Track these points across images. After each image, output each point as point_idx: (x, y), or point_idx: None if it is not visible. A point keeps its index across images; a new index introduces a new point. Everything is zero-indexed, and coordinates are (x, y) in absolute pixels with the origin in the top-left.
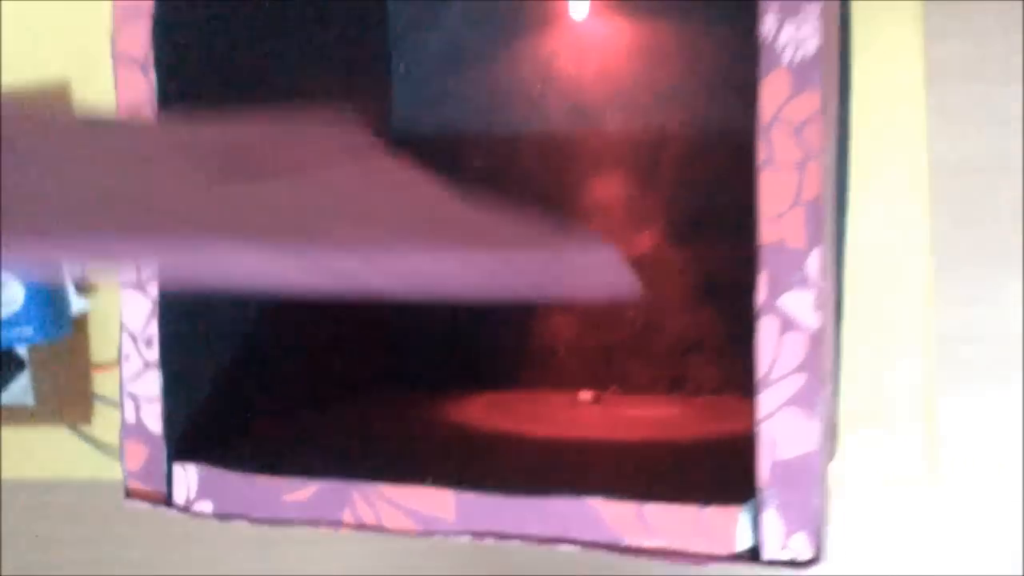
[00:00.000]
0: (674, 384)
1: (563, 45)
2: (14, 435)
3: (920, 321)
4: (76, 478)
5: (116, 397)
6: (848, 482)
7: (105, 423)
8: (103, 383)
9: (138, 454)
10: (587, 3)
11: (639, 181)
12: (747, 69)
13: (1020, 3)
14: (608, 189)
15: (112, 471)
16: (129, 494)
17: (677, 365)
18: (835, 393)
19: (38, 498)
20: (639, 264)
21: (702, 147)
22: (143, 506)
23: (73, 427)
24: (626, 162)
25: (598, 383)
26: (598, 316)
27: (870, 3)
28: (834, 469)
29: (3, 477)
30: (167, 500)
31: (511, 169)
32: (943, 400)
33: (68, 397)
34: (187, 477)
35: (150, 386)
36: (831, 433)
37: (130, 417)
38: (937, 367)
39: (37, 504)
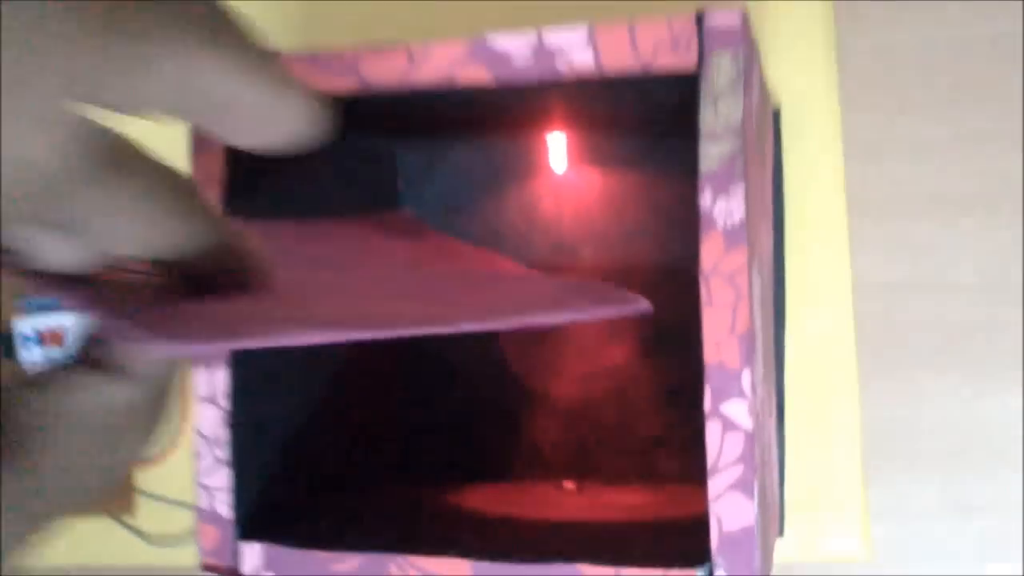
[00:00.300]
0: (644, 475)
1: (546, 192)
2: (64, 526)
3: (850, 420)
4: (120, 564)
5: (156, 491)
6: (793, 560)
7: (146, 514)
8: (143, 478)
9: (211, 535)
10: (565, 157)
11: None
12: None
13: (922, 153)
14: None
15: (151, 557)
16: (206, 568)
17: (646, 459)
18: (781, 481)
19: None
20: (614, 374)
21: (662, 276)
22: None
23: (117, 518)
24: None
25: (580, 474)
26: (579, 417)
27: (801, 160)
28: (781, 547)
29: (54, 563)
30: (237, 573)
31: None
32: (874, 486)
33: (112, 491)
34: (253, 553)
35: (221, 479)
36: (777, 513)
37: (204, 504)
38: (866, 458)
39: None
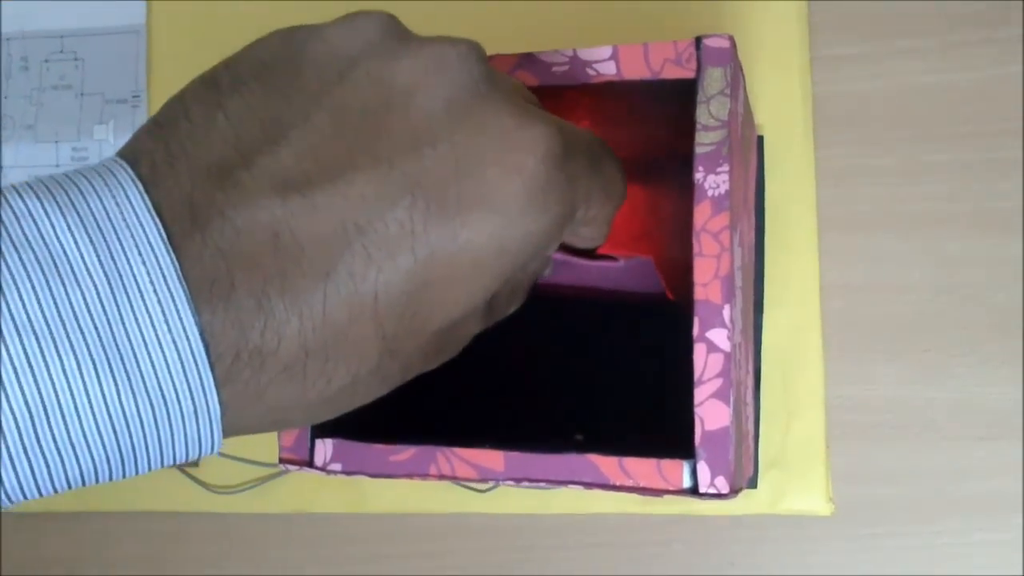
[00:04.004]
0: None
1: None
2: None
3: (816, 396)
4: (181, 511)
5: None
6: (766, 512)
7: (208, 465)
8: None
9: (290, 435)
10: None
11: None
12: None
13: (880, 178)
14: None
15: (211, 505)
16: (283, 461)
17: (645, 425)
18: (756, 439)
19: (148, 527)
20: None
21: (668, 257)
22: (294, 467)
23: (180, 468)
24: None
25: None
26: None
27: (779, 182)
28: (755, 500)
29: (118, 510)
30: (310, 463)
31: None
32: (834, 450)
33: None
34: (325, 448)
35: None
36: (752, 454)
37: None
38: (829, 429)
39: (148, 531)
